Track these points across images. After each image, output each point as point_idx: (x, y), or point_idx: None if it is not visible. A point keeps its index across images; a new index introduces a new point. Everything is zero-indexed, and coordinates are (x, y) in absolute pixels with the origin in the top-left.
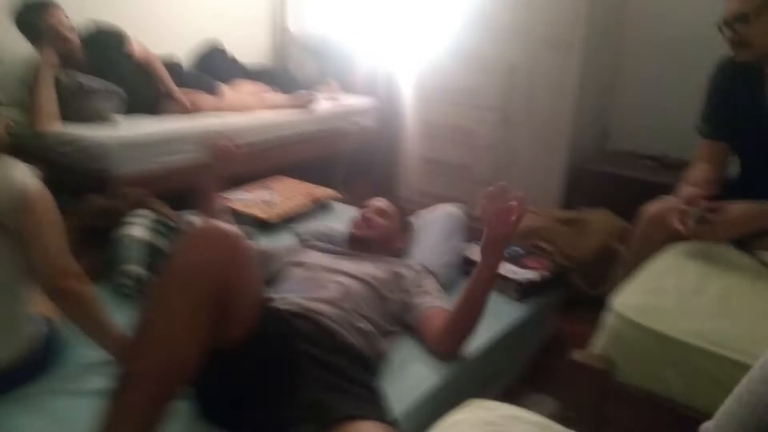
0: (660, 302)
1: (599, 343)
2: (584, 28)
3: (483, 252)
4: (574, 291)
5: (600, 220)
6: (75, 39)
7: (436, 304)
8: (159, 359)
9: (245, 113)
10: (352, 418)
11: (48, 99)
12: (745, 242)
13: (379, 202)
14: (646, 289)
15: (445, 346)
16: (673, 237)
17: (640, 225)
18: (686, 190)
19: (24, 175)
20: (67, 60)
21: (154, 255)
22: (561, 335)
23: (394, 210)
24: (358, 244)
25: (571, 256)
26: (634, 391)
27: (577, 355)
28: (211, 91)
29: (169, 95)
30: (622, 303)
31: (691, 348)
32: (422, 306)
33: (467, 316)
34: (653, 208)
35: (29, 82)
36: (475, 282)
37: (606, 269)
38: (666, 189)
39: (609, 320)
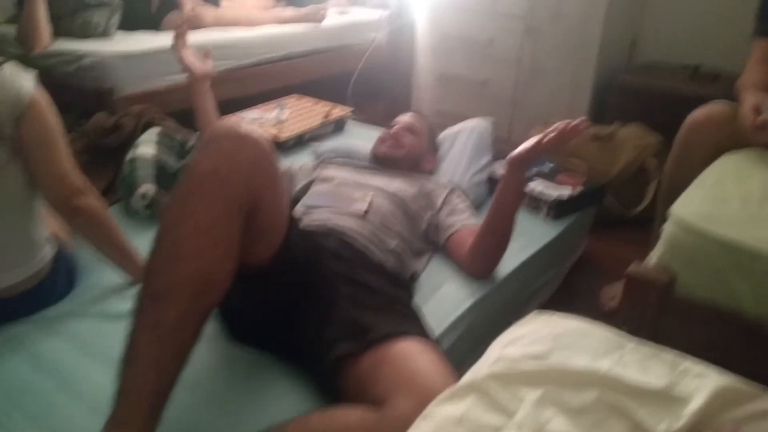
0: (725, 209)
1: (657, 255)
2: None
3: (516, 164)
4: (605, 210)
5: (632, 135)
6: None
7: (468, 222)
8: (189, 272)
9: (250, 27)
10: (394, 335)
11: (36, 11)
12: None
13: (408, 117)
14: (708, 196)
15: (478, 264)
16: (719, 144)
17: (682, 132)
18: (752, 93)
19: (23, 81)
20: None
21: (164, 173)
22: (591, 256)
23: (424, 126)
24: (383, 162)
25: (601, 172)
26: (696, 304)
27: (635, 268)
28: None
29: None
30: (683, 210)
31: (763, 255)
32: (455, 225)
33: (500, 232)
34: (698, 113)
35: None
36: (505, 195)
37: (638, 188)
38: (702, 100)
39: (669, 229)
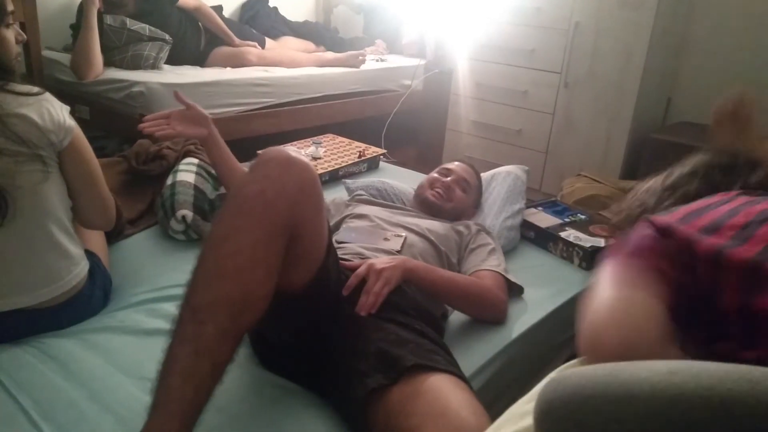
0: None
1: None
2: None
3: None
4: None
5: None
6: None
7: (480, 266)
8: (229, 291)
9: (292, 68)
10: (424, 367)
11: (90, 42)
12: None
13: (464, 172)
14: None
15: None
16: None
17: None
18: None
19: (63, 111)
20: (114, 4)
21: (201, 201)
22: None
23: (476, 183)
24: (426, 208)
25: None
26: None
27: None
28: (257, 42)
29: (224, 38)
30: None
31: None
32: (468, 269)
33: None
34: None
35: (75, 26)
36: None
37: None
38: None
39: None
